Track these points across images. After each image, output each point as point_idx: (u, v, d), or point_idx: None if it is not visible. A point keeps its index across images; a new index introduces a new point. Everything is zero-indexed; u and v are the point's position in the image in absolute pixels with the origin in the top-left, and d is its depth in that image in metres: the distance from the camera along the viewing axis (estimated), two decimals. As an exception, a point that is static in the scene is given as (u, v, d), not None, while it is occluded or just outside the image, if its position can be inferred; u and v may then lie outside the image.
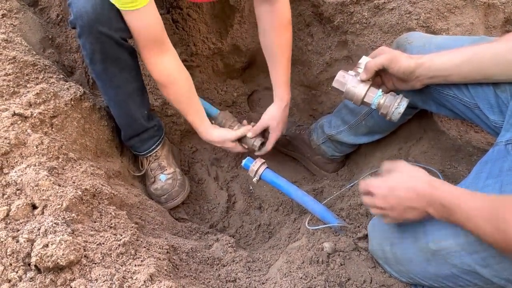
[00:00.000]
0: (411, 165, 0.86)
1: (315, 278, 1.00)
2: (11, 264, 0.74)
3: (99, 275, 0.77)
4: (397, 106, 1.02)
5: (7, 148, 0.93)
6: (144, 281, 0.79)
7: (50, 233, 0.78)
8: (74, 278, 0.75)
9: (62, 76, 1.30)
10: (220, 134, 1.41)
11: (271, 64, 1.38)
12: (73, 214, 0.86)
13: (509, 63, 0.86)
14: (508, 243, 0.67)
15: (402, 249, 0.93)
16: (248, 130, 1.45)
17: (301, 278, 1.00)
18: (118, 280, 0.78)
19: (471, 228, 0.72)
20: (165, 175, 1.48)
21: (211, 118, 1.46)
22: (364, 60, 1.07)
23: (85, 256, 0.79)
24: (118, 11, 1.05)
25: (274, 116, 1.44)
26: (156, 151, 1.48)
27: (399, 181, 0.84)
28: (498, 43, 0.89)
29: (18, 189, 0.87)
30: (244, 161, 1.34)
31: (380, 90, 1.06)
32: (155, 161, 1.48)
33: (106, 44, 1.09)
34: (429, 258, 0.87)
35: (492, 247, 0.72)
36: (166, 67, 1.19)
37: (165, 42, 1.17)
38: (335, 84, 1.10)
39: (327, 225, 1.16)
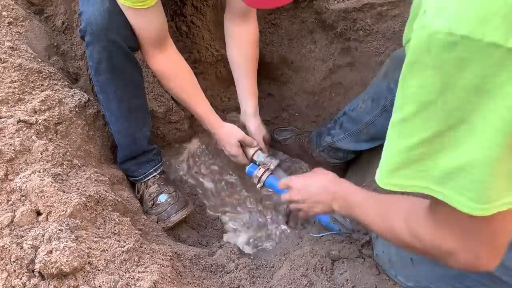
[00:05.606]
0: (325, 170, 1.02)
1: (319, 285, 0.99)
2: (15, 271, 0.73)
3: (103, 281, 0.77)
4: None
5: (12, 154, 0.93)
6: (148, 288, 0.79)
7: (54, 240, 0.78)
8: (78, 285, 0.75)
9: (67, 83, 1.31)
10: (229, 130, 1.32)
11: (244, 78, 1.37)
12: (77, 221, 0.86)
13: None
14: (395, 235, 0.72)
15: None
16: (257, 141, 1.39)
17: (305, 285, 1.00)
18: (122, 287, 0.77)
19: (366, 224, 0.81)
20: (164, 195, 1.34)
21: None
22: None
23: (88, 262, 0.79)
24: (126, 19, 1.07)
25: (260, 127, 1.41)
26: (154, 175, 1.37)
27: (312, 179, 1.00)
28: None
29: (23, 196, 0.87)
30: (247, 168, 1.34)
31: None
32: (153, 185, 1.36)
33: (113, 53, 1.10)
34: None
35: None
36: (168, 59, 1.20)
37: (167, 41, 1.19)
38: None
39: (330, 233, 1.15)
